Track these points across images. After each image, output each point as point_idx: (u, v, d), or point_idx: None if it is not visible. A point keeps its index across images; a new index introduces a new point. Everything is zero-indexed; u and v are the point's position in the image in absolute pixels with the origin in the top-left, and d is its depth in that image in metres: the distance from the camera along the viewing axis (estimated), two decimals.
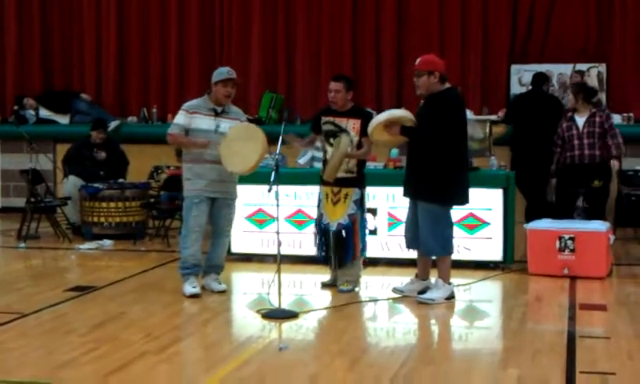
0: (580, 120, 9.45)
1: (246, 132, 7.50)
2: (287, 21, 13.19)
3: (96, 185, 10.96)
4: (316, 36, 13.10)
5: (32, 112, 13.59)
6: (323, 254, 7.89)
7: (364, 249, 7.89)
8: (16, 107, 13.58)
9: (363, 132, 7.54)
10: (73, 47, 14.01)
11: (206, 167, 7.58)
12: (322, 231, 7.83)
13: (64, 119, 13.59)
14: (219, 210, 7.72)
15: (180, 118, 7.68)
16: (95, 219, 10.91)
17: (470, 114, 9.19)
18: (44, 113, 13.64)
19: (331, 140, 7.66)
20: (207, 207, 7.64)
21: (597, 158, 9.39)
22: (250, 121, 8.69)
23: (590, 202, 9.49)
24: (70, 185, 11.33)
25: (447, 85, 7.39)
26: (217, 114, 7.67)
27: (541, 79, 11.40)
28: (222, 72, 7.71)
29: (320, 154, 8.25)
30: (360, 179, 7.77)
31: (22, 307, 7.18)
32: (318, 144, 8.24)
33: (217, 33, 13.46)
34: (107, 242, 10.57)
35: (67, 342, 6.16)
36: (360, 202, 7.75)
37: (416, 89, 7.42)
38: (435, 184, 7.25)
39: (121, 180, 11.37)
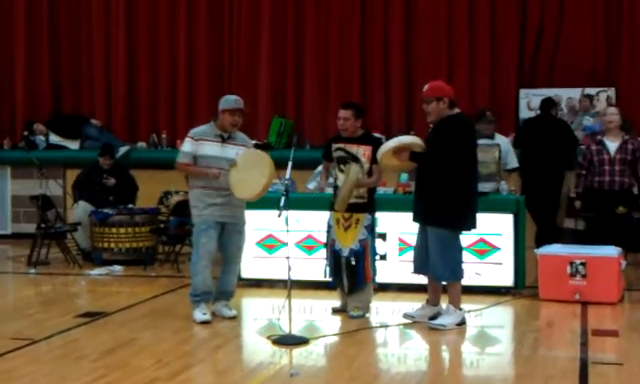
0: (611, 145, 9.45)
1: (253, 158, 7.53)
2: (296, 46, 13.23)
3: (106, 210, 10.98)
4: (325, 61, 13.13)
5: (42, 137, 13.64)
6: (335, 279, 7.87)
7: (374, 275, 7.87)
8: (26, 133, 13.64)
9: (374, 159, 7.55)
10: (82, 73, 14.07)
11: (213, 193, 7.59)
12: (334, 257, 7.82)
13: (74, 145, 13.64)
14: (229, 236, 7.72)
15: (187, 146, 7.69)
16: (105, 245, 10.92)
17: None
18: (54, 138, 13.69)
19: (342, 167, 7.67)
20: (216, 233, 7.64)
21: (625, 185, 9.41)
22: (258, 146, 8.71)
23: (612, 228, 9.45)
24: (79, 210, 11.34)
25: (456, 110, 7.41)
26: (223, 140, 7.68)
27: (549, 104, 11.41)
28: (230, 101, 7.72)
29: (330, 180, 8.26)
30: (370, 204, 7.77)
31: (32, 333, 7.18)
32: (331, 171, 8.23)
33: (225, 58, 13.51)
34: (117, 268, 10.57)
35: (78, 368, 6.17)
36: (371, 228, 7.75)
37: (427, 116, 7.44)
38: (444, 209, 7.25)
39: (130, 205, 11.39)
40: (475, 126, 9.94)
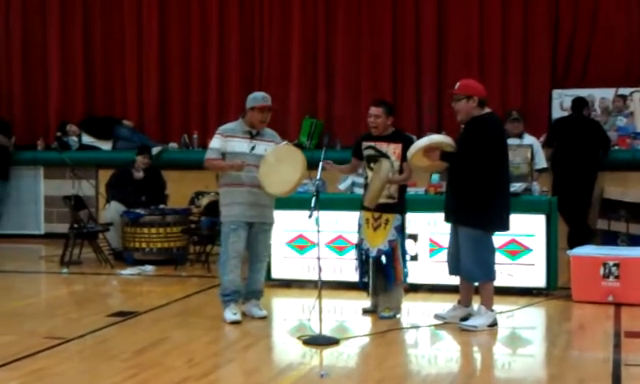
0: None
1: (286, 154, 7.52)
2: (327, 46, 13.23)
3: (137, 211, 11.04)
4: (356, 61, 13.11)
5: (75, 138, 13.75)
6: (364, 280, 7.86)
7: (405, 275, 7.84)
8: (59, 134, 13.74)
9: (404, 156, 7.51)
10: (115, 74, 14.17)
11: (244, 191, 7.59)
12: (362, 257, 7.80)
13: (106, 145, 13.73)
14: (256, 235, 7.73)
15: (216, 143, 7.71)
16: (137, 245, 10.98)
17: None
18: (86, 139, 13.79)
19: (372, 165, 7.64)
20: (245, 232, 7.65)
21: None
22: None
23: None
24: (111, 211, 11.41)
25: (487, 109, 7.35)
26: (252, 137, 7.69)
27: (581, 104, 11.33)
28: (258, 98, 7.72)
29: (360, 180, 8.23)
30: (401, 205, 7.73)
31: (65, 332, 7.23)
32: (360, 170, 8.21)
33: (256, 59, 13.54)
34: (149, 268, 10.63)
35: (109, 367, 6.19)
36: (401, 228, 7.71)
37: (456, 114, 7.39)
38: (476, 209, 7.20)
39: (162, 206, 11.45)
40: (505, 126, 10.00)
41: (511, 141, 9.83)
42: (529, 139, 10.06)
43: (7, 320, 7.84)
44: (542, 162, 10.11)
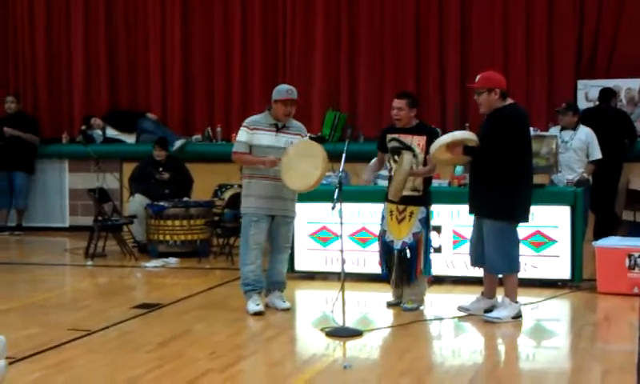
0: None
1: (307, 149, 7.49)
2: (350, 38, 13.19)
3: (161, 203, 11.07)
4: (380, 54, 13.06)
5: (99, 132, 13.81)
6: (386, 271, 7.83)
7: (429, 267, 7.80)
8: (83, 127, 13.81)
9: (428, 149, 7.47)
10: (138, 67, 14.21)
11: (266, 184, 7.59)
12: (385, 249, 7.77)
13: (130, 138, 13.77)
14: (278, 227, 7.72)
15: (243, 136, 7.70)
16: (161, 237, 11.01)
17: (533, 131, 9.11)
18: (111, 132, 13.83)
19: (396, 157, 7.60)
20: (266, 225, 7.65)
21: None
22: (313, 139, 8.69)
23: None
24: (135, 203, 11.46)
25: (509, 101, 7.30)
26: (278, 129, 7.68)
27: (608, 94, 11.24)
28: (282, 91, 7.70)
29: (384, 172, 8.21)
30: (426, 197, 7.69)
31: (89, 324, 7.26)
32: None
33: (280, 52, 13.52)
34: (172, 260, 10.66)
35: (133, 359, 6.21)
36: (425, 221, 7.67)
37: (479, 107, 7.35)
38: (500, 201, 7.16)
39: (185, 198, 11.47)
40: (558, 121, 10.02)
41: (564, 133, 9.89)
42: (583, 130, 10.02)
43: (32, 312, 7.89)
44: (596, 152, 10.01)
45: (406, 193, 7.55)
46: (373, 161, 8.19)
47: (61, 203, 14.14)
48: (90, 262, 10.75)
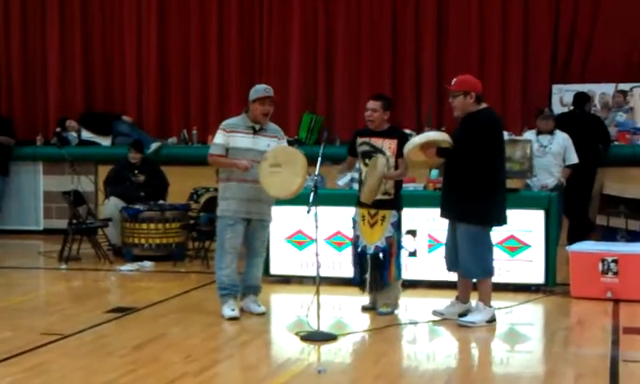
0: None
1: (287, 155, 7.47)
2: (326, 42, 13.21)
3: (136, 206, 11.04)
4: (355, 57, 13.09)
5: (74, 134, 13.73)
6: (359, 276, 7.84)
7: (400, 271, 7.82)
8: (58, 129, 13.72)
9: (399, 152, 7.50)
10: (114, 69, 14.14)
11: (245, 187, 7.57)
12: (359, 254, 7.79)
13: (105, 141, 13.71)
14: (254, 231, 7.72)
15: (219, 138, 7.68)
16: (136, 240, 10.98)
17: (507, 135, 9.16)
18: (86, 135, 13.77)
19: (367, 160, 7.63)
20: (242, 228, 7.64)
21: None
22: (289, 142, 8.68)
23: None
24: (110, 206, 11.41)
25: (483, 105, 7.35)
26: (255, 132, 7.67)
27: (582, 99, 11.33)
28: (259, 90, 7.69)
29: (355, 174, 8.21)
30: (397, 201, 7.72)
31: (63, 328, 7.23)
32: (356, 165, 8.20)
33: (256, 55, 13.51)
34: (147, 264, 10.63)
35: (108, 363, 6.20)
36: (397, 225, 7.70)
37: (453, 110, 7.39)
38: (473, 205, 7.21)
39: (161, 201, 11.44)
40: (536, 123, 10.07)
41: (542, 138, 9.94)
42: (560, 135, 10.08)
43: (5, 315, 7.84)
44: (573, 157, 10.07)
45: (377, 197, 7.57)
46: (342, 165, 8.22)
47: (35, 206, 14.04)
48: (64, 266, 10.69)
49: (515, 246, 8.64)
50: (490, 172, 7.19)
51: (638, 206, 11.05)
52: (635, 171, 11.63)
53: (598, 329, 7.42)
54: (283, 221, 9.03)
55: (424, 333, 7.30)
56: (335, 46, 13.19)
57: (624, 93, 12.11)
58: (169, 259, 10.82)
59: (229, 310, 7.59)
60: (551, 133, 10.13)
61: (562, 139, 10.07)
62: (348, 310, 8.08)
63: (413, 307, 8.11)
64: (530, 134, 10.26)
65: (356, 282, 7.92)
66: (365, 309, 7.91)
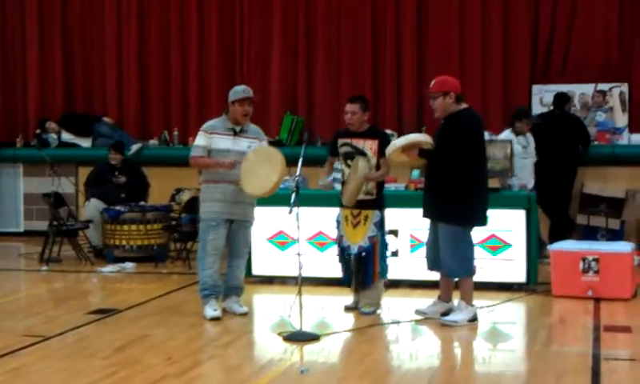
0: None
1: (265, 155, 7.49)
2: (307, 43, 13.20)
3: (117, 208, 11.00)
4: (336, 58, 13.09)
5: (54, 135, 13.66)
6: (347, 276, 7.86)
7: (384, 271, 7.85)
8: (38, 131, 13.65)
9: (381, 152, 7.52)
10: (94, 71, 14.07)
11: (226, 188, 7.56)
12: (343, 254, 7.80)
13: (86, 142, 13.66)
14: (236, 232, 7.71)
15: (200, 140, 7.67)
16: (117, 242, 10.94)
17: (488, 135, 9.20)
18: (66, 136, 13.70)
19: (349, 162, 7.64)
20: (225, 230, 7.63)
21: None
22: (270, 143, 8.68)
23: None
24: (91, 208, 11.37)
25: (464, 105, 7.37)
26: (235, 134, 7.66)
27: (562, 99, 11.38)
28: (238, 91, 7.69)
29: (337, 175, 8.23)
30: (379, 201, 7.74)
31: (44, 330, 7.20)
32: (337, 165, 8.20)
33: (237, 56, 13.48)
34: (129, 265, 10.59)
35: (89, 365, 6.17)
36: (380, 224, 7.72)
37: (434, 112, 7.41)
38: (454, 205, 7.23)
39: (142, 203, 11.40)
40: (515, 124, 10.16)
41: (521, 138, 10.09)
42: (530, 136, 10.47)
43: None
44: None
45: (359, 197, 7.59)
46: (326, 167, 8.23)
47: (15, 208, 13.97)
48: (45, 267, 10.64)
49: (497, 246, 8.67)
50: (471, 172, 7.21)
51: (618, 204, 11.12)
52: (615, 170, 11.69)
53: (580, 327, 7.46)
54: (265, 221, 9.03)
55: (407, 332, 7.31)
56: (316, 47, 13.18)
57: (603, 93, 12.17)
58: (150, 260, 10.79)
59: (211, 310, 7.58)
60: (525, 134, 10.30)
61: (532, 139, 10.31)
62: (330, 310, 8.09)
63: (395, 307, 8.12)
64: (507, 134, 10.32)
65: (346, 282, 7.93)
66: (347, 309, 7.92)
